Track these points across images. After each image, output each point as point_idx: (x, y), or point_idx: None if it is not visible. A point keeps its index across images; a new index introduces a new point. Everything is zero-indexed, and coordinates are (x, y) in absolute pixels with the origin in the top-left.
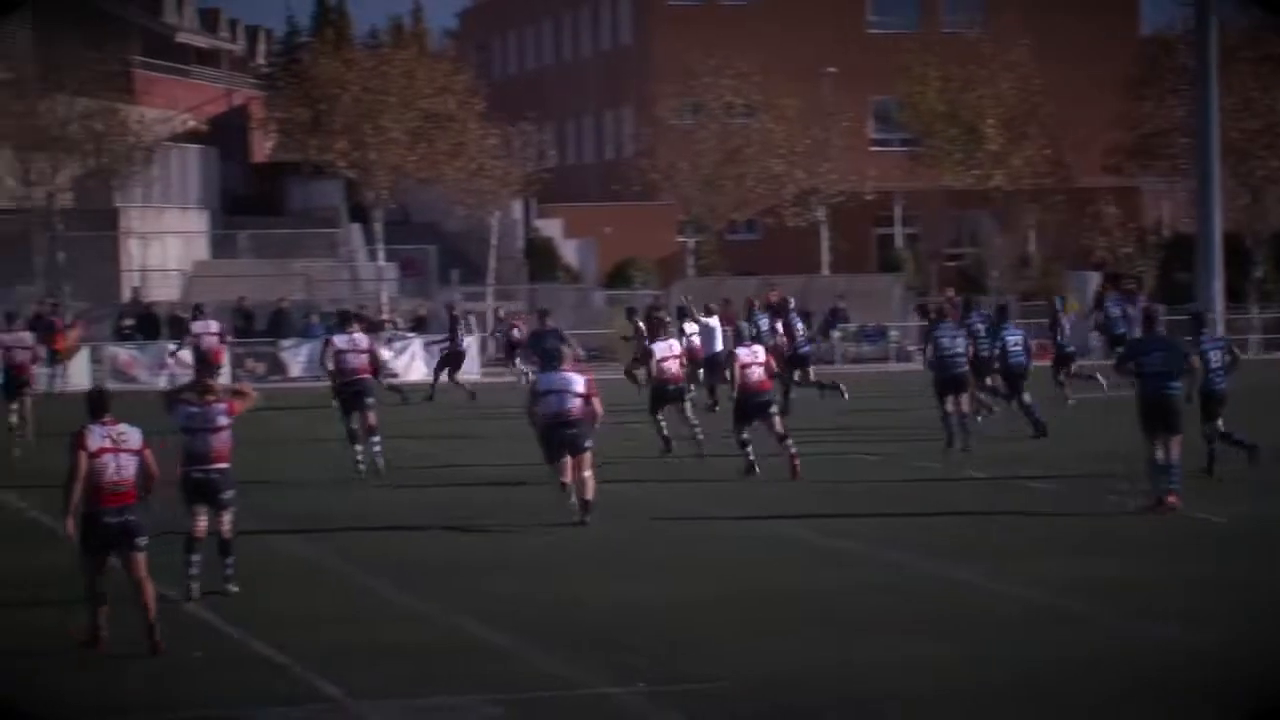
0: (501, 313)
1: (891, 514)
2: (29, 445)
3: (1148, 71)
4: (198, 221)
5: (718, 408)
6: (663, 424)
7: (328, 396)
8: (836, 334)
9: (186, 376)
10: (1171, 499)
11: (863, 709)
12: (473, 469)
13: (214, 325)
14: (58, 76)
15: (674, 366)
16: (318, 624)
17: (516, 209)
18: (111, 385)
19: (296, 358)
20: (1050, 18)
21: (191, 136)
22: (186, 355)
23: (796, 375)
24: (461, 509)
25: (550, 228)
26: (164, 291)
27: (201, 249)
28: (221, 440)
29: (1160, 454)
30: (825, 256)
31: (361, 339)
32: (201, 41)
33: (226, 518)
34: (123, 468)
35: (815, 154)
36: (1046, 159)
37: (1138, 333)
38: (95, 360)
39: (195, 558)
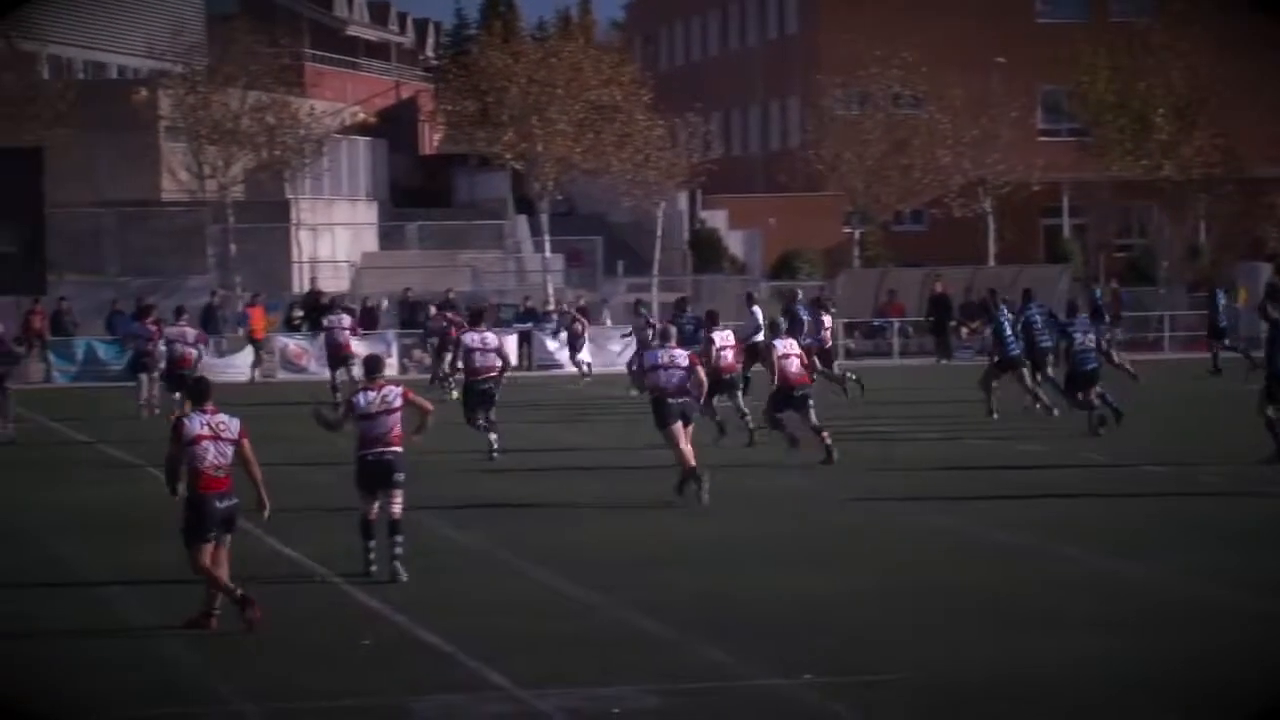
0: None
1: (1029, 497)
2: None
3: None
4: (366, 213)
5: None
6: (724, 409)
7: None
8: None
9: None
10: None
11: (1034, 705)
12: (617, 452)
13: (345, 320)
14: (231, 70)
15: (730, 356)
16: (485, 612)
17: (682, 200)
18: (281, 376)
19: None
20: (1220, 5)
21: (361, 129)
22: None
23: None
24: (613, 497)
25: (715, 219)
26: (333, 283)
27: (370, 240)
28: (395, 422)
29: None
30: (992, 247)
31: (491, 338)
32: (371, 35)
33: (398, 498)
34: (221, 454)
35: (983, 144)
36: (1217, 148)
37: None
38: (266, 350)
39: (372, 542)
